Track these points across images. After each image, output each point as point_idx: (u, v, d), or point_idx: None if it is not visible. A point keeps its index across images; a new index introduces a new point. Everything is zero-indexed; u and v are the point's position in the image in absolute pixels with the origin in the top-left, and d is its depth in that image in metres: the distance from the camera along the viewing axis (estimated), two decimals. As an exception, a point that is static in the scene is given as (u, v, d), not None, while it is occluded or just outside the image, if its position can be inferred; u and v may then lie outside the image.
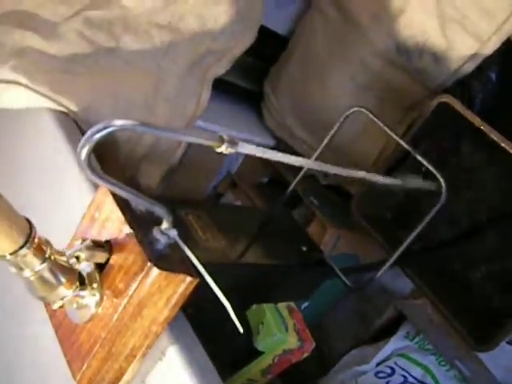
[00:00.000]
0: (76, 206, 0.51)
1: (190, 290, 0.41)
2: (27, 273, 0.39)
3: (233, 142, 0.40)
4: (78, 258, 0.42)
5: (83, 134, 0.52)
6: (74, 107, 0.61)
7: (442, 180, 0.47)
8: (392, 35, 0.82)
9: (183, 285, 0.41)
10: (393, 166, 0.71)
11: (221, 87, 0.90)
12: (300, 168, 0.69)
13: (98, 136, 0.34)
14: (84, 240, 0.42)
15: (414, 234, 0.51)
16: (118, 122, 0.34)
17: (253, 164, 1.01)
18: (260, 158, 1.01)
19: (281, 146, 1.00)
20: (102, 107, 0.64)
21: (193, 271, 0.41)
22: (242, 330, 0.39)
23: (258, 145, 1.04)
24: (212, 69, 0.77)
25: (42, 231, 0.39)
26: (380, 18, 0.83)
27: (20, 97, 0.60)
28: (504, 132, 0.68)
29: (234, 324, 0.70)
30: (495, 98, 0.83)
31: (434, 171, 0.47)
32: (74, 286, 0.42)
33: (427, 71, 0.83)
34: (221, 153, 0.40)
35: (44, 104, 0.61)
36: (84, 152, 0.34)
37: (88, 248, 0.42)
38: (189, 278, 0.40)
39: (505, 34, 0.79)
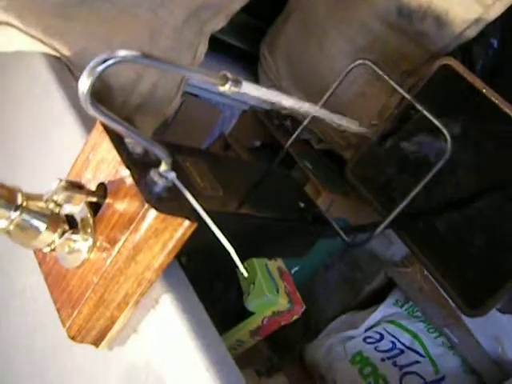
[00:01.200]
0: (67, 152, 0.49)
1: (187, 235, 0.40)
2: (2, 223, 0.37)
3: (237, 81, 0.38)
4: (55, 202, 0.40)
5: (75, 79, 0.50)
6: (66, 52, 0.59)
7: (447, 135, 0.46)
8: (394, -4, 0.80)
9: (181, 229, 0.39)
10: (393, 128, 0.69)
11: (217, 47, 0.87)
12: (293, 132, 0.67)
13: (101, 67, 0.32)
14: (61, 181, 0.40)
15: (415, 192, 0.50)
16: (122, 53, 0.32)
17: (247, 126, 0.99)
18: (254, 120, 1.00)
19: (275, 108, 0.99)
20: (96, 53, 0.61)
21: (191, 216, 0.39)
22: (246, 274, 0.37)
23: (252, 107, 1.03)
24: (209, 23, 0.75)
25: (33, 177, 0.38)
26: (384, -23, 0.81)
27: (12, 39, 0.58)
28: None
29: (226, 282, 0.69)
30: (496, 65, 0.82)
31: (440, 125, 0.46)
32: (60, 230, 0.41)
33: (429, 35, 0.81)
34: (223, 92, 0.38)
35: (36, 48, 0.58)
36: (86, 84, 0.32)
37: (64, 189, 0.40)
38: (187, 222, 0.39)
39: (509, -1, 0.78)
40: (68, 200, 0.39)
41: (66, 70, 0.59)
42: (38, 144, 0.56)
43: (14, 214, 0.38)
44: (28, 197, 0.39)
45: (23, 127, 0.58)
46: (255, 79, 1.00)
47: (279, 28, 0.96)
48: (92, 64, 0.31)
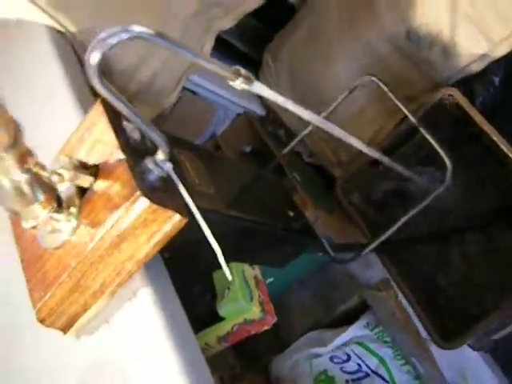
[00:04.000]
0: (61, 128, 0.47)
1: (176, 230, 0.38)
2: (3, 180, 0.35)
3: (248, 79, 0.37)
4: (60, 176, 0.39)
5: (77, 55, 0.48)
6: (72, 28, 0.57)
7: (448, 163, 0.45)
8: (406, 21, 0.80)
9: (170, 222, 0.38)
10: (387, 151, 0.69)
11: (221, 48, 0.87)
12: (286, 141, 0.66)
13: (114, 40, 0.31)
14: (71, 158, 0.39)
15: (407, 217, 0.50)
16: (137, 29, 0.31)
17: (239, 130, 0.98)
18: (247, 125, 0.99)
19: (270, 116, 0.98)
20: (103, 34, 0.60)
21: (182, 210, 0.38)
22: (230, 278, 0.36)
23: (247, 111, 1.02)
24: (218, 21, 0.74)
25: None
26: (397, 1, 0.81)
27: (19, 7, 0.56)
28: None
29: (203, 284, 0.68)
30: (495, 103, 0.82)
31: (441, 151, 0.45)
32: (51, 207, 0.39)
33: (434, 64, 0.81)
34: (233, 87, 0.37)
35: (40, 19, 0.57)
36: (96, 56, 0.30)
37: (73, 167, 0.39)
38: (178, 216, 0.38)
39: (516, 40, 0.78)
40: (73, 179, 0.38)
41: (68, 45, 0.58)
42: (33, 117, 0.54)
43: (19, 176, 0.35)
44: (37, 163, 0.37)
45: (20, 98, 0.56)
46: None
47: (286, 37, 0.95)
48: (103, 35, 0.29)
